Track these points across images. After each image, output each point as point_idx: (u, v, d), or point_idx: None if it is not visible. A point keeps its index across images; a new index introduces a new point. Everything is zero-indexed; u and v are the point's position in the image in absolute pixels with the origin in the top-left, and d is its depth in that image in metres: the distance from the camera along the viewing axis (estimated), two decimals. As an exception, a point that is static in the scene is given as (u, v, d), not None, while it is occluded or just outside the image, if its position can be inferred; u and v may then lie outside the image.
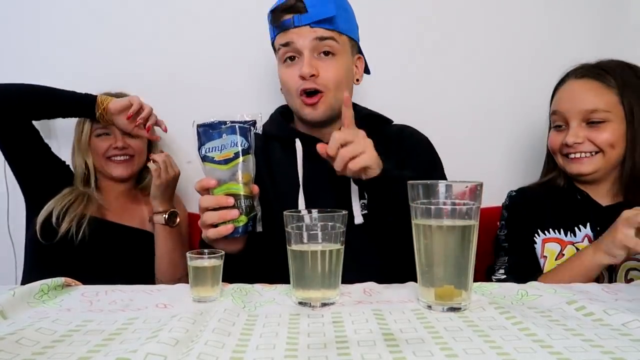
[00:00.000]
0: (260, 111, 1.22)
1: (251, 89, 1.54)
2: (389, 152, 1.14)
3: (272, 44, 1.15)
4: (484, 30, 1.57)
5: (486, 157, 1.59)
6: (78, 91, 1.28)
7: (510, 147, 1.60)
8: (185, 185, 1.46)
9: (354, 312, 0.72)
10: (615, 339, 0.60)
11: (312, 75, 1.07)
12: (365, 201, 1.10)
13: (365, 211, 1.09)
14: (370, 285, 0.87)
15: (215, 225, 0.92)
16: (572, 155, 1.13)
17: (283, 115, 1.22)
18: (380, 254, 1.07)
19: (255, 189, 0.96)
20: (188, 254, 0.81)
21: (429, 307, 0.74)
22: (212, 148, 0.95)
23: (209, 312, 0.72)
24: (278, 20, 1.09)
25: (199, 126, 0.97)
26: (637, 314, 0.67)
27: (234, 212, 0.91)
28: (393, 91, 1.53)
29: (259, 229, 0.99)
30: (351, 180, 1.09)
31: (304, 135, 1.15)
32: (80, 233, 1.25)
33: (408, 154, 1.15)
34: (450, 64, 1.57)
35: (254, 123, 0.99)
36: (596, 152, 1.11)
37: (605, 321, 0.67)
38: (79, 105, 1.28)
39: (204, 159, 0.96)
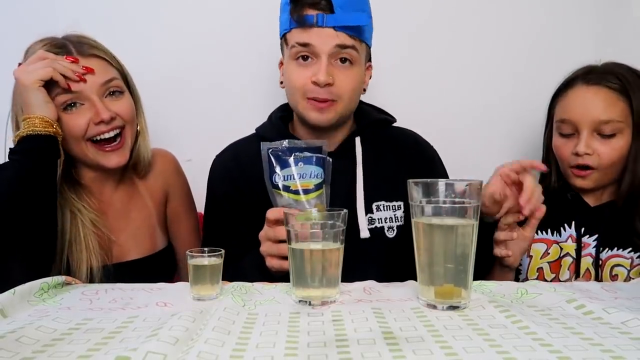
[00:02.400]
0: (264, 111, 1.23)
1: (252, 87, 1.54)
2: (401, 161, 1.15)
3: (283, 34, 1.06)
4: (483, 29, 1.56)
5: (487, 155, 1.58)
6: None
7: (510, 145, 1.59)
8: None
9: (353, 310, 0.72)
10: (615, 337, 0.61)
11: (327, 84, 1.01)
12: (372, 216, 1.10)
13: (371, 226, 1.09)
14: (370, 283, 0.87)
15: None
16: (579, 162, 1.11)
17: (283, 121, 1.16)
18: (382, 270, 1.07)
19: None
20: (188, 252, 0.81)
21: (429, 305, 0.74)
22: (288, 176, 0.92)
23: (209, 310, 0.72)
24: (299, 13, 1.00)
25: (270, 150, 0.93)
26: (637, 313, 0.67)
27: None
28: (394, 89, 1.52)
29: None
30: (357, 192, 1.09)
31: None
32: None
33: (421, 170, 1.14)
34: (450, 62, 1.57)
35: (320, 149, 0.96)
36: (594, 169, 1.10)
37: (605, 319, 0.67)
38: (35, 156, 0.94)
39: (278, 187, 0.93)
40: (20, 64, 1.02)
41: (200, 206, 1.39)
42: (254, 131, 1.18)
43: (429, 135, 1.25)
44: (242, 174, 1.11)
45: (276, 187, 0.93)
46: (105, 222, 1.09)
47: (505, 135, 1.60)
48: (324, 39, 1.00)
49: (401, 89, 1.55)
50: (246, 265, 1.00)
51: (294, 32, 1.03)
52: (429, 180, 0.74)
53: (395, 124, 1.20)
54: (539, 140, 1.29)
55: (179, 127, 1.52)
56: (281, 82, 1.13)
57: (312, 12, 1.00)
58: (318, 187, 0.93)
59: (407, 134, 1.22)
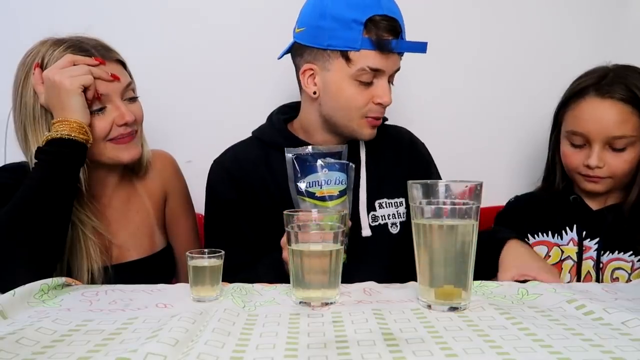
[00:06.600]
0: (265, 112, 1.23)
1: (253, 89, 1.54)
2: (399, 159, 1.17)
3: (346, 51, 1.00)
4: (486, 31, 1.56)
5: (489, 156, 1.58)
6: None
7: (513, 147, 1.60)
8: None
9: (353, 311, 0.72)
10: (615, 338, 0.61)
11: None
12: (375, 213, 1.11)
13: (375, 224, 1.09)
14: (370, 284, 0.87)
15: None
16: (589, 173, 1.11)
17: (286, 123, 1.15)
18: (387, 266, 1.07)
19: (349, 224, 0.96)
20: (187, 254, 0.81)
21: (429, 306, 0.74)
22: (313, 183, 0.93)
23: (209, 311, 0.72)
24: (379, 37, 0.99)
25: (295, 156, 0.95)
26: (637, 313, 0.67)
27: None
28: (397, 91, 1.52)
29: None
30: (360, 192, 1.10)
31: None
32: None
33: (418, 167, 1.18)
34: (453, 65, 1.56)
35: (340, 154, 0.97)
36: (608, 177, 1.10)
37: (605, 320, 0.67)
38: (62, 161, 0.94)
39: (303, 193, 0.94)
40: (38, 65, 1.00)
41: (200, 207, 1.39)
42: (251, 134, 1.18)
43: (432, 136, 1.26)
44: (244, 179, 1.10)
45: (301, 193, 0.94)
46: (106, 226, 1.09)
47: (508, 136, 1.59)
48: (392, 63, 1.04)
49: (405, 91, 1.53)
50: (260, 270, 1.00)
51: (366, 55, 1.00)
52: (429, 181, 0.74)
53: (387, 122, 1.20)
54: (541, 142, 1.29)
55: (179, 128, 1.51)
56: (314, 92, 1.07)
57: (389, 37, 1.00)
58: (342, 193, 0.94)
59: (403, 132, 1.24)
